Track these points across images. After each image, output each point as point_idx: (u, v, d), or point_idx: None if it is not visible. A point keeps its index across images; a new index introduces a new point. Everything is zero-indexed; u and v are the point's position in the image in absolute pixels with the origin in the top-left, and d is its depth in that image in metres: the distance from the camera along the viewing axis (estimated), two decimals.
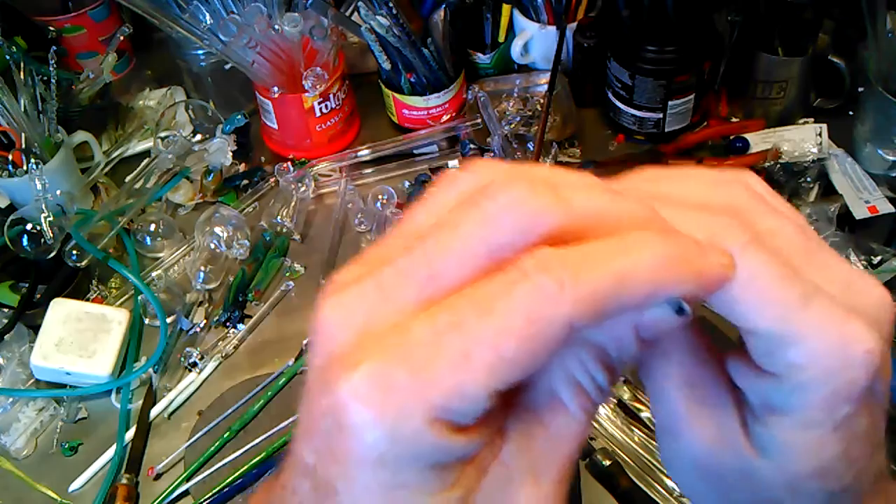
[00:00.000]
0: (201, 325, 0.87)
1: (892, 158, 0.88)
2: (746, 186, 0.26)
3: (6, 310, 0.87)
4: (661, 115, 0.95)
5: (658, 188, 0.26)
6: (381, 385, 0.21)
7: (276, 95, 0.97)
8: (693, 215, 0.24)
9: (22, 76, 0.93)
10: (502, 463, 0.24)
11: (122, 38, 1.07)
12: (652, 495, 0.69)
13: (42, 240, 0.87)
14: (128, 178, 1.02)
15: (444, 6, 0.95)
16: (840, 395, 0.24)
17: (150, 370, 0.83)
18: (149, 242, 0.94)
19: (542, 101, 0.97)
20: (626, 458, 0.72)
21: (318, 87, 0.95)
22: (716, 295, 0.24)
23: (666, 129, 0.97)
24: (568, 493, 0.25)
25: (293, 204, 0.96)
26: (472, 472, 0.23)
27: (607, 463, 0.70)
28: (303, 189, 0.96)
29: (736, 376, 0.26)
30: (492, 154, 0.95)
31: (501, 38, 1.05)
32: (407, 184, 0.98)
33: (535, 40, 1.03)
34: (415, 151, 1.02)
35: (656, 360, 0.28)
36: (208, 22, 0.90)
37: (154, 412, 0.82)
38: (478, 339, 0.20)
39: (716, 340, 0.28)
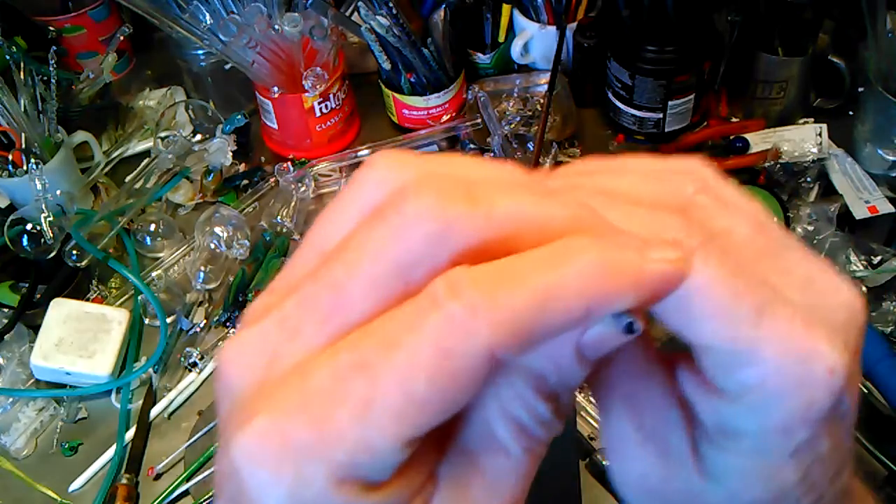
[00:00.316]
0: (201, 325, 0.87)
1: (892, 158, 0.88)
2: (696, 178, 0.24)
3: (6, 310, 0.87)
4: (661, 115, 0.95)
5: (597, 182, 0.23)
6: (277, 443, 0.18)
7: (276, 95, 0.97)
8: (636, 215, 0.21)
9: (22, 76, 0.94)
10: None
11: (122, 38, 1.07)
12: None
13: (42, 240, 0.88)
14: (128, 178, 1.02)
15: (444, 6, 0.95)
16: (799, 419, 0.21)
17: (150, 370, 0.83)
18: (149, 242, 0.94)
19: (542, 101, 0.97)
20: None
21: (318, 87, 0.95)
22: (660, 306, 0.21)
23: (666, 129, 0.97)
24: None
25: (293, 204, 0.95)
26: None
27: (607, 463, 0.70)
28: (303, 189, 0.96)
29: (687, 392, 0.24)
30: (492, 154, 0.95)
31: (501, 38, 1.05)
32: None
33: (535, 40, 1.03)
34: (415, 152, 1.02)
35: (597, 376, 0.25)
36: (208, 22, 0.90)
37: (154, 412, 0.82)
38: (382, 381, 0.18)
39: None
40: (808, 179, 0.90)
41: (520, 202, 0.19)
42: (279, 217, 0.94)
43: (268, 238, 0.94)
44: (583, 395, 0.76)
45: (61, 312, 0.84)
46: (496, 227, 0.19)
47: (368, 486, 0.19)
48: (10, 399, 0.82)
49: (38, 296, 0.88)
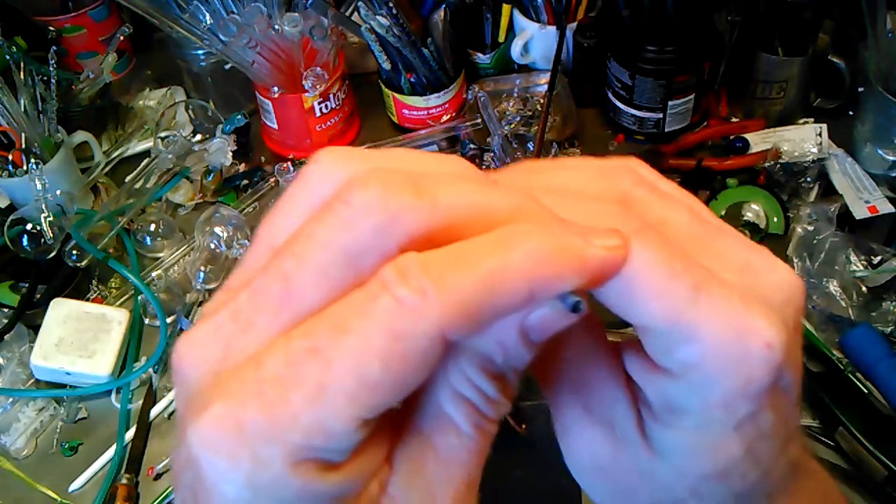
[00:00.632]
0: None
1: (892, 158, 0.88)
2: (632, 173, 0.24)
3: (6, 310, 0.87)
4: (661, 115, 0.95)
5: (539, 180, 0.24)
6: (232, 429, 0.18)
7: (276, 95, 0.97)
8: (577, 206, 0.22)
9: (22, 76, 0.94)
10: (391, 497, 0.21)
11: (122, 38, 1.07)
12: None
13: (42, 240, 0.88)
14: (128, 178, 1.02)
15: (444, 6, 0.95)
16: (739, 394, 0.22)
17: (150, 370, 0.83)
18: (149, 242, 0.94)
19: (542, 101, 0.97)
20: None
21: (318, 87, 0.95)
22: (600, 288, 0.21)
23: (666, 129, 0.97)
24: None
25: None
26: None
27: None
28: None
29: (632, 372, 0.24)
30: (492, 154, 0.95)
31: (501, 38, 1.05)
32: None
33: (535, 40, 1.03)
34: None
35: (544, 360, 0.25)
36: (208, 22, 0.90)
37: (154, 412, 0.82)
38: (335, 365, 0.18)
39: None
40: (808, 179, 0.90)
41: (463, 192, 0.20)
42: None
43: None
44: None
45: (61, 312, 0.84)
46: (441, 217, 0.19)
47: (326, 467, 0.19)
48: (10, 399, 0.82)
49: (38, 296, 0.88)
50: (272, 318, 0.20)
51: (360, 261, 0.19)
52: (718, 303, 0.21)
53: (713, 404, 0.22)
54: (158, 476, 0.77)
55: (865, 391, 0.73)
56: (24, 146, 0.91)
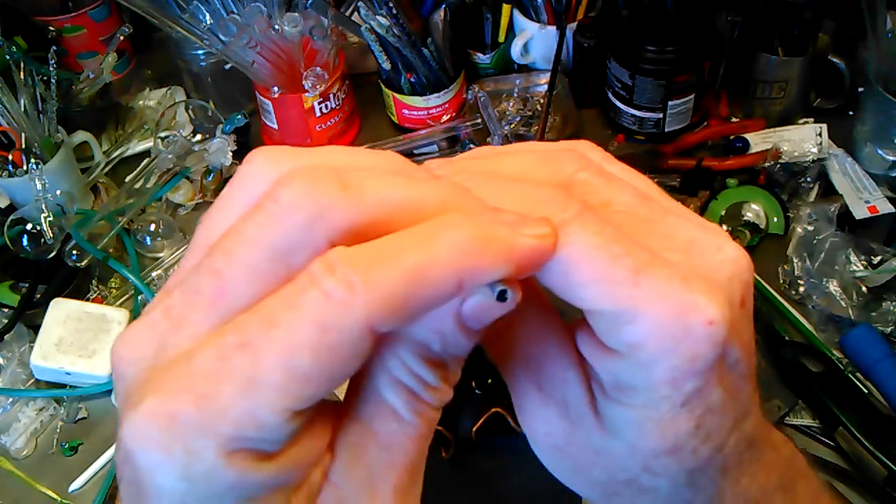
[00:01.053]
0: None
1: (892, 158, 0.88)
2: (579, 156, 0.25)
3: (6, 310, 0.87)
4: (661, 115, 0.95)
5: (486, 165, 0.25)
6: (164, 423, 0.19)
7: (276, 95, 0.97)
8: (516, 192, 0.22)
9: (22, 76, 0.94)
10: (333, 483, 0.22)
11: (122, 38, 1.07)
12: None
13: (42, 240, 0.88)
14: (128, 178, 1.02)
15: (444, 6, 0.95)
16: (684, 371, 0.22)
17: None
18: (149, 242, 0.94)
19: (542, 101, 0.97)
20: None
21: (318, 87, 0.95)
22: (543, 275, 0.22)
23: (666, 129, 0.97)
24: (417, 502, 0.23)
25: None
26: (301, 499, 0.21)
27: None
28: None
29: (584, 351, 0.25)
30: None
31: (501, 38, 1.05)
32: None
33: (535, 40, 1.03)
34: (415, 151, 1.02)
35: (497, 342, 0.26)
36: (208, 22, 0.90)
37: None
38: (264, 358, 0.19)
39: None
40: (808, 179, 0.90)
41: (391, 185, 0.20)
42: None
43: None
44: None
45: (61, 312, 0.84)
46: (369, 211, 0.20)
47: (260, 457, 0.20)
48: (10, 399, 0.82)
49: (38, 296, 0.88)
50: (204, 314, 0.20)
51: (289, 256, 0.20)
52: (659, 283, 0.22)
53: (659, 382, 0.23)
54: None
55: (865, 391, 0.73)
56: (24, 146, 0.91)
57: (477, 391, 0.43)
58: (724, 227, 0.88)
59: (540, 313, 0.26)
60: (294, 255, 0.20)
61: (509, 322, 0.24)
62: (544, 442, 0.27)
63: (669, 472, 0.25)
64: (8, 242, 0.87)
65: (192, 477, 0.19)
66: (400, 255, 0.19)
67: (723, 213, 0.89)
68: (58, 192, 0.90)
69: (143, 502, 0.20)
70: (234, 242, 0.20)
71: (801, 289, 0.81)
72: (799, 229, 0.85)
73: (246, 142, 1.04)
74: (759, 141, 0.94)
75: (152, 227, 0.94)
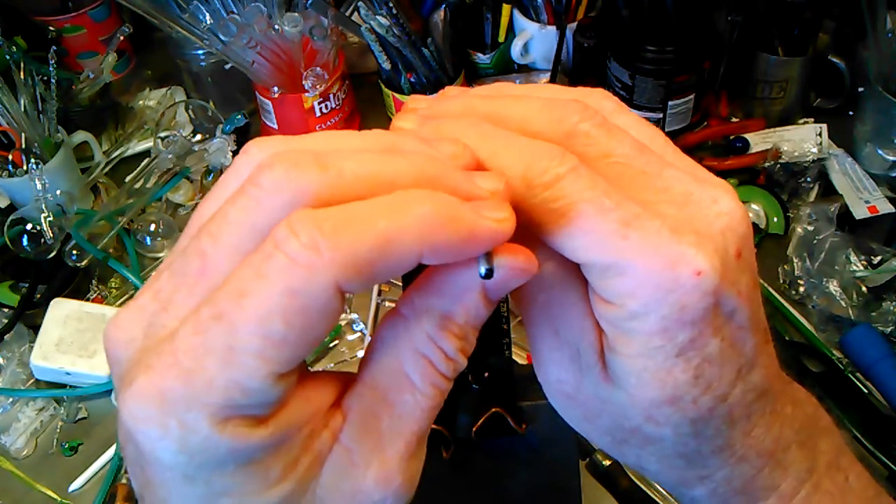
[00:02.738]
0: None
1: (892, 158, 0.89)
2: (584, 107, 0.25)
3: (6, 310, 0.87)
4: (661, 115, 0.95)
5: (495, 107, 0.26)
6: (155, 400, 0.20)
7: (276, 95, 0.97)
8: (512, 146, 0.23)
9: (22, 76, 0.94)
10: (343, 446, 0.23)
11: (122, 38, 1.07)
12: (652, 495, 0.69)
13: (42, 240, 0.88)
14: (128, 178, 1.02)
15: (444, 6, 0.95)
16: (675, 321, 0.23)
17: None
18: (149, 242, 0.94)
19: None
20: None
21: (318, 87, 0.95)
22: (538, 228, 0.23)
23: (666, 129, 0.97)
24: (420, 468, 0.24)
25: None
26: (306, 461, 0.22)
27: (607, 463, 0.70)
28: None
29: (592, 303, 0.26)
30: None
31: (501, 38, 1.05)
32: None
33: (535, 40, 1.03)
34: None
35: (523, 300, 0.27)
36: (208, 22, 0.90)
37: None
38: (239, 327, 0.19)
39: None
40: (808, 179, 0.90)
41: (368, 164, 0.21)
42: None
43: None
44: None
45: (61, 312, 0.84)
46: (346, 188, 0.20)
47: (253, 422, 0.20)
48: (10, 399, 0.82)
49: (38, 296, 0.88)
50: (189, 294, 0.21)
51: (270, 236, 0.20)
52: (648, 235, 0.23)
53: (652, 332, 0.24)
54: None
55: (865, 391, 0.73)
56: (24, 146, 0.91)
57: (474, 385, 0.43)
58: None
59: (560, 263, 0.26)
60: (272, 235, 0.20)
61: (533, 283, 0.25)
62: (556, 388, 0.28)
63: (671, 421, 0.25)
64: (8, 242, 0.87)
65: (190, 449, 0.20)
66: (367, 220, 0.20)
67: None
68: (58, 192, 0.90)
69: (149, 477, 0.21)
70: (218, 225, 0.21)
71: (802, 289, 0.81)
72: (799, 229, 0.85)
73: (246, 142, 1.04)
74: (759, 141, 0.94)
75: (152, 227, 0.94)
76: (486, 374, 0.43)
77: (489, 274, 0.22)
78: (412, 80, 0.98)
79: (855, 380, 0.73)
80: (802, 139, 0.93)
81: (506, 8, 1.02)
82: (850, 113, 0.95)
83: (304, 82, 0.95)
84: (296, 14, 0.91)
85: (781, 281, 0.83)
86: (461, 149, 0.23)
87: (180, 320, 0.21)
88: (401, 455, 0.23)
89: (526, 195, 0.23)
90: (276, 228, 0.20)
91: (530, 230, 0.24)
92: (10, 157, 0.91)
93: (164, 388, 0.20)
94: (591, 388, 0.27)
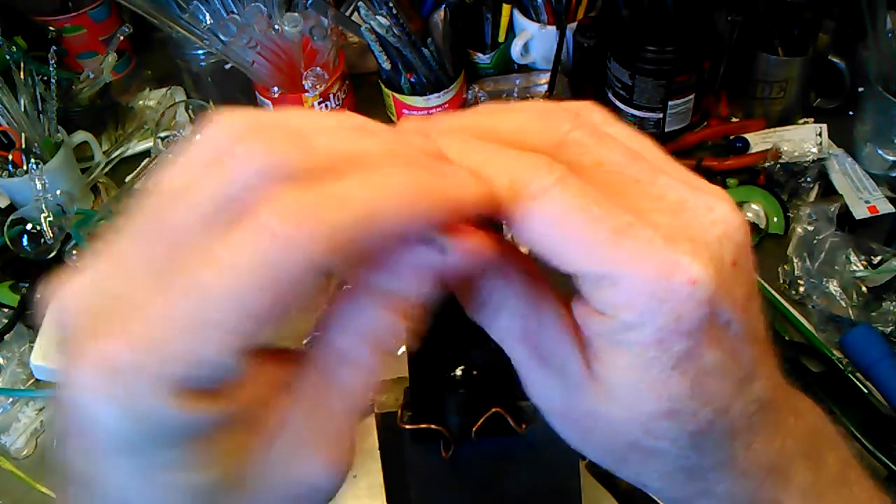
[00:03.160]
0: None
1: (892, 158, 0.89)
2: (575, 116, 0.25)
3: (6, 310, 0.87)
4: (661, 116, 0.95)
5: (489, 122, 0.25)
6: (105, 367, 0.19)
7: (277, 95, 0.97)
8: (500, 158, 0.23)
9: (22, 76, 0.94)
10: (290, 424, 0.22)
11: (122, 38, 1.07)
12: (652, 495, 0.69)
13: (42, 240, 0.88)
14: (128, 179, 1.02)
15: (444, 6, 0.95)
16: (670, 331, 0.22)
17: None
18: None
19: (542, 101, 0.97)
20: None
21: (318, 87, 0.95)
22: (529, 239, 0.23)
23: (666, 130, 0.97)
24: (356, 443, 0.24)
25: None
26: (254, 439, 0.22)
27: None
28: None
29: (578, 318, 0.25)
30: None
31: (501, 38, 1.05)
32: None
33: (535, 40, 1.03)
34: None
35: (490, 315, 0.26)
36: (208, 22, 0.90)
37: None
38: (209, 297, 0.19)
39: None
40: (808, 179, 0.90)
41: (338, 139, 0.21)
42: None
43: None
44: None
45: None
46: (318, 162, 0.20)
47: (207, 396, 0.20)
48: (10, 399, 0.82)
49: (39, 296, 0.88)
50: (151, 261, 0.20)
51: (240, 206, 0.20)
52: (641, 244, 0.22)
53: (647, 343, 0.23)
54: None
55: (865, 391, 0.73)
56: (24, 146, 0.91)
57: (461, 383, 0.43)
58: None
59: (534, 285, 0.26)
60: (245, 205, 0.20)
61: (499, 294, 0.25)
62: (549, 409, 0.27)
63: (670, 435, 0.25)
64: (8, 242, 0.87)
65: (138, 417, 0.19)
66: (348, 194, 0.19)
67: None
68: (58, 192, 0.90)
69: (91, 451, 0.21)
70: (190, 193, 0.20)
71: (801, 289, 0.81)
72: (799, 229, 0.85)
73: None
74: (758, 141, 0.94)
75: None
76: (475, 373, 0.43)
77: (442, 249, 0.22)
78: (412, 80, 0.98)
79: (855, 380, 0.73)
80: (802, 139, 0.93)
81: (506, 8, 1.02)
82: (851, 113, 0.95)
83: (304, 82, 0.95)
84: (296, 14, 0.91)
85: (781, 281, 0.83)
86: (428, 142, 0.23)
87: (143, 288, 0.20)
88: (343, 434, 0.23)
89: (514, 206, 0.22)
90: (252, 200, 0.19)
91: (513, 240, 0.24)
92: (10, 157, 0.91)
93: (116, 356, 0.19)
94: (584, 405, 0.26)
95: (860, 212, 0.86)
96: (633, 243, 0.22)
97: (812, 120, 0.96)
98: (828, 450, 0.29)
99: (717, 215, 0.24)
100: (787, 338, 0.78)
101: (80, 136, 1.00)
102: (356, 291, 0.23)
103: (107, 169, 1.04)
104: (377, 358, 0.23)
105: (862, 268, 0.80)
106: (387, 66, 0.97)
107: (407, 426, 0.43)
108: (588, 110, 0.26)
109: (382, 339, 0.23)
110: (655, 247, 0.22)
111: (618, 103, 0.97)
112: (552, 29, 1.00)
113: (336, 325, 0.23)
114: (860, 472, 0.31)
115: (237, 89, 1.07)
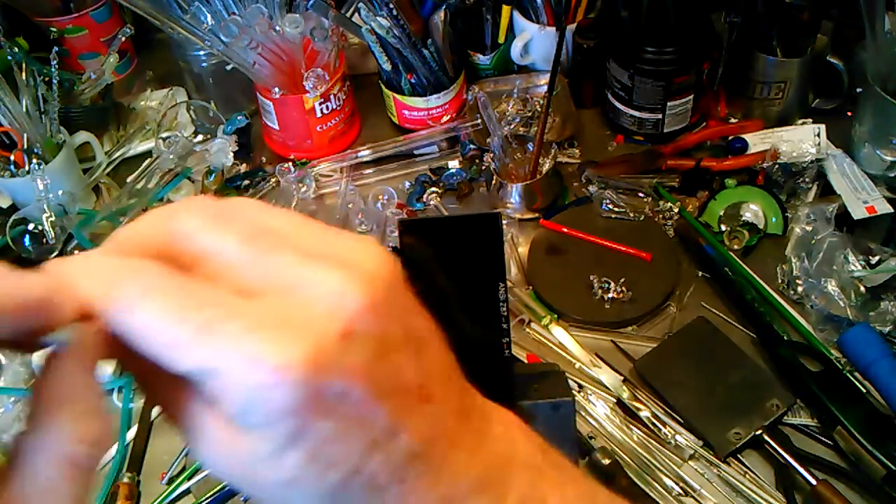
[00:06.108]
0: None
1: (890, 159, 0.89)
2: (186, 208, 0.26)
3: None
4: (660, 116, 0.96)
5: (118, 234, 0.27)
6: None
7: (278, 96, 0.97)
8: (90, 271, 0.24)
9: (24, 77, 0.94)
10: None
11: (123, 38, 1.08)
12: (651, 494, 0.70)
13: (44, 240, 0.88)
14: (129, 179, 1.02)
15: (444, 7, 0.96)
16: (275, 415, 0.23)
17: None
18: None
19: (541, 101, 0.97)
20: (625, 456, 0.72)
21: (318, 87, 0.96)
22: (131, 344, 0.24)
23: (665, 130, 0.97)
24: None
25: (294, 204, 0.96)
26: None
27: (606, 462, 0.71)
28: (304, 189, 0.97)
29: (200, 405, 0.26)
30: (492, 154, 0.95)
31: (501, 39, 1.06)
32: (407, 184, 0.99)
33: (534, 41, 1.03)
34: (415, 152, 1.02)
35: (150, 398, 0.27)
36: (210, 23, 0.90)
37: (155, 411, 0.82)
38: None
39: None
40: (807, 180, 0.90)
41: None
42: None
43: None
44: (581, 394, 0.77)
45: None
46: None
47: None
48: (12, 398, 0.82)
49: None
50: None
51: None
52: (223, 339, 0.23)
53: (257, 426, 0.24)
54: (171, 480, 0.77)
55: (864, 390, 0.73)
56: (25, 146, 0.92)
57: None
58: (723, 227, 0.88)
59: (157, 372, 0.26)
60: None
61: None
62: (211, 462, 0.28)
63: (303, 498, 0.26)
64: (10, 242, 0.88)
65: None
66: None
67: (721, 213, 0.89)
68: (60, 192, 0.90)
69: None
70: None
71: (800, 288, 0.82)
72: (797, 229, 0.86)
73: (247, 142, 1.05)
74: (757, 141, 0.95)
75: None
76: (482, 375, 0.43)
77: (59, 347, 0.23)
78: (412, 80, 0.99)
79: (853, 379, 0.74)
80: (801, 140, 0.93)
81: (506, 9, 1.03)
82: (849, 113, 0.95)
83: (304, 83, 0.95)
84: (297, 15, 0.91)
85: (780, 281, 0.84)
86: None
87: None
88: None
89: (110, 318, 0.24)
90: None
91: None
92: (13, 157, 0.91)
93: None
94: (228, 467, 0.26)
95: (858, 212, 0.87)
96: (217, 338, 0.23)
97: (810, 120, 0.97)
98: (516, 473, 0.30)
99: (325, 289, 0.24)
100: (785, 337, 0.78)
101: (82, 136, 1.00)
102: (36, 424, 0.23)
103: (108, 169, 1.04)
104: (73, 480, 0.23)
105: (860, 268, 0.80)
106: (387, 67, 0.97)
107: None
108: (200, 201, 0.27)
109: (81, 463, 0.23)
110: (240, 339, 0.23)
111: (617, 104, 0.98)
112: (552, 30, 1.01)
113: (37, 457, 0.23)
114: (561, 478, 0.31)
115: (238, 90, 1.07)
